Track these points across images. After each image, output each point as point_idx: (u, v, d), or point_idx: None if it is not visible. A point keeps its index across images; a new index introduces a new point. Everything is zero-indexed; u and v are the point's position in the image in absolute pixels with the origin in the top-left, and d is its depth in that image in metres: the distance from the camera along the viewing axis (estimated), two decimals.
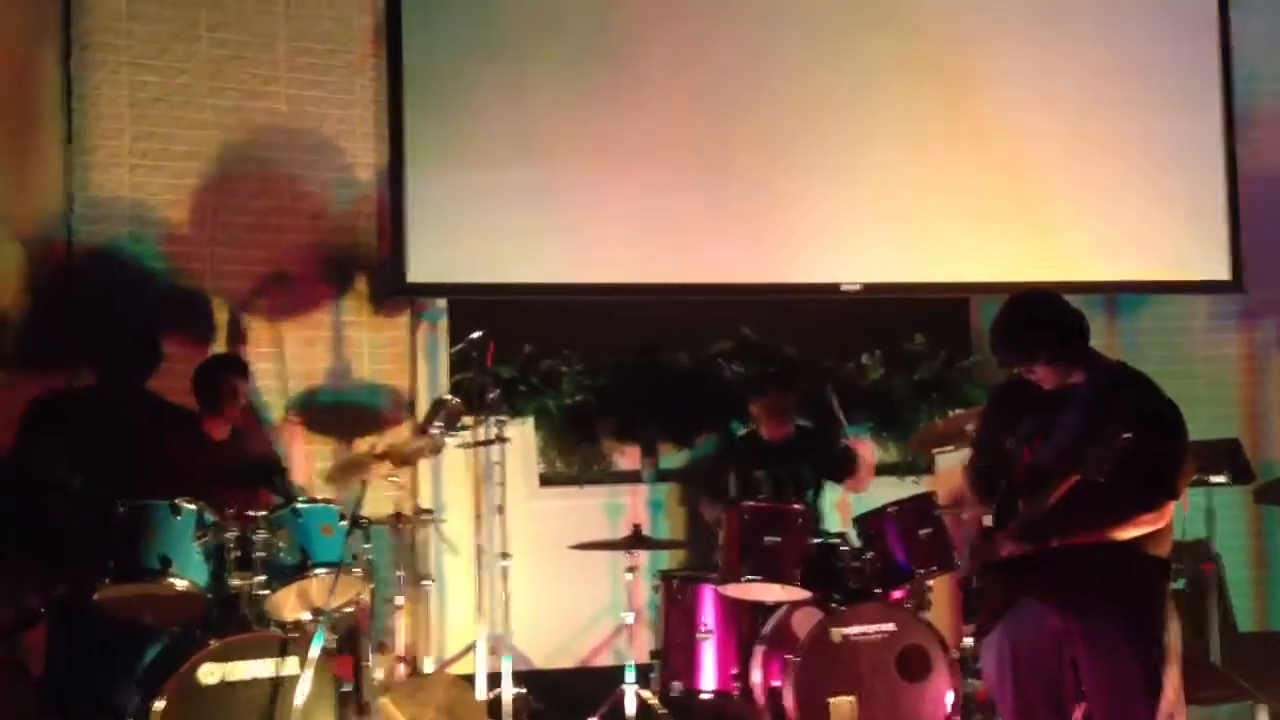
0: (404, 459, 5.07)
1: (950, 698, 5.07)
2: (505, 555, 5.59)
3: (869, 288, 6.33)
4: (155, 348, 5.55)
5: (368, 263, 6.09)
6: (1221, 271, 6.64)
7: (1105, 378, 3.61)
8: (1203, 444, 5.70)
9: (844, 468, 5.82)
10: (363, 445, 5.80)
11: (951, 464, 6.39)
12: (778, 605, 5.26)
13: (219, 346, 5.75)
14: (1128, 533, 3.50)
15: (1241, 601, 6.61)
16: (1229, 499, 6.33)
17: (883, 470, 6.60)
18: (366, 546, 4.72)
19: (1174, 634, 3.60)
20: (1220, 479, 6.01)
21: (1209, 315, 6.88)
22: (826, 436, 5.98)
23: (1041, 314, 3.69)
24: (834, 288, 6.32)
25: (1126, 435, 3.27)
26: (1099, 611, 3.56)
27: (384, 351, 6.14)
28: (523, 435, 6.22)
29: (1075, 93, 6.56)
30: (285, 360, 5.93)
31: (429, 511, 5.70)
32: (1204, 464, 5.86)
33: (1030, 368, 3.70)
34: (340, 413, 6.00)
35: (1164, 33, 6.73)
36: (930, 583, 5.46)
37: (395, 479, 5.15)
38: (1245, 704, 5.32)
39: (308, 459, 5.83)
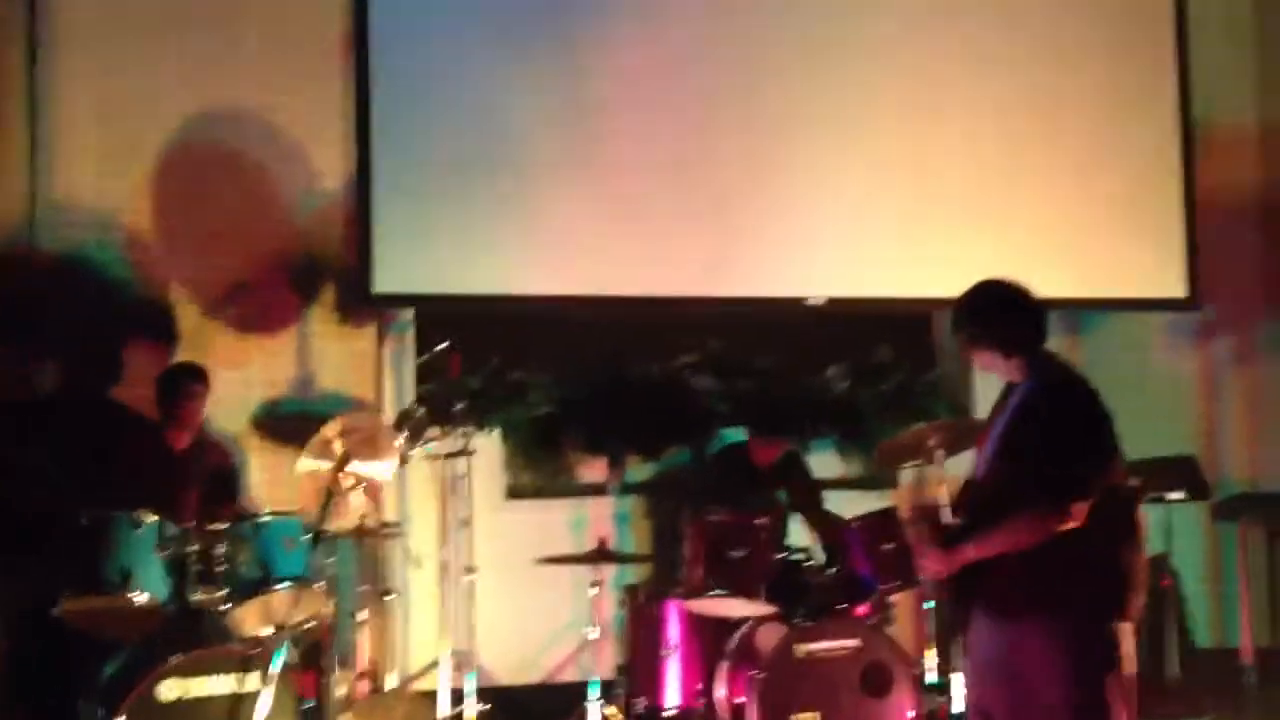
0: (367, 445, 4.97)
1: (912, 714, 5.09)
2: (470, 569, 5.58)
3: (833, 302, 6.36)
4: (118, 356, 5.50)
5: (335, 272, 6.05)
6: (1179, 289, 6.71)
7: (1039, 382, 3.54)
8: (1159, 460, 5.79)
9: (816, 499, 5.90)
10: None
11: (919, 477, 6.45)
12: (742, 620, 5.27)
13: (183, 355, 5.68)
14: (1026, 543, 3.39)
15: (1199, 617, 6.69)
16: (1185, 515, 6.38)
17: (848, 484, 6.67)
18: (330, 560, 4.68)
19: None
20: (1177, 495, 6.09)
21: (1167, 332, 6.96)
22: (805, 465, 6.03)
23: (985, 300, 3.65)
24: (799, 301, 6.34)
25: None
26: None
27: (350, 362, 6.10)
28: (489, 447, 6.21)
29: (1037, 114, 6.63)
30: (250, 370, 5.88)
31: (393, 524, 5.67)
32: (1161, 480, 5.94)
33: (969, 351, 3.69)
34: (304, 423, 5.93)
35: (1123, 56, 6.81)
36: (894, 598, 5.49)
37: (360, 489, 5.11)
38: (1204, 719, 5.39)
39: (270, 471, 5.77)
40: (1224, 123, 6.96)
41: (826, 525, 5.73)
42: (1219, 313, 6.89)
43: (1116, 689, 3.42)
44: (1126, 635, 3.46)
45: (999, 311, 3.61)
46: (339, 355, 6.08)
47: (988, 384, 6.96)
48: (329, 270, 6.05)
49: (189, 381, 5.22)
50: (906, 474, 6.50)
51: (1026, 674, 3.43)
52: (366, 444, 4.83)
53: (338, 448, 4.68)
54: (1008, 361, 3.60)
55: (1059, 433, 3.42)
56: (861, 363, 6.89)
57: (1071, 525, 3.35)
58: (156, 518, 4.40)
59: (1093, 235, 6.63)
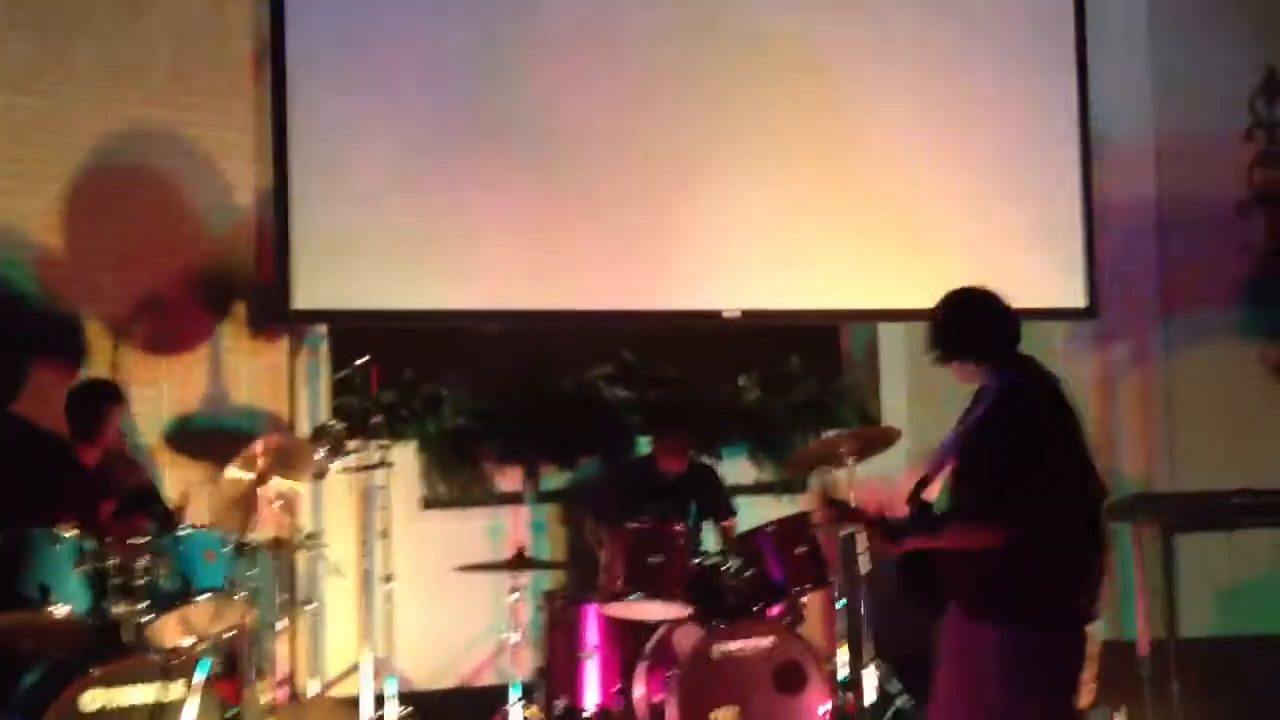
0: (288, 467, 5.01)
1: (825, 709, 5.23)
2: (389, 578, 5.62)
3: (748, 314, 6.43)
4: (23, 372, 5.45)
5: (246, 288, 6.04)
6: (1079, 299, 6.93)
7: (997, 389, 3.61)
8: None
9: (727, 511, 6.02)
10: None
11: (824, 483, 6.61)
12: (659, 623, 5.37)
13: (93, 371, 5.64)
14: (965, 545, 3.51)
15: (1126, 612, 6.91)
16: None
17: (760, 489, 6.82)
18: (251, 572, 4.69)
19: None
20: None
21: (1066, 339, 7.17)
22: (716, 478, 6.14)
23: (945, 311, 3.73)
24: (715, 314, 6.40)
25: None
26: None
27: (262, 376, 6.08)
28: (405, 459, 6.24)
29: (940, 129, 6.77)
30: (161, 386, 5.85)
31: (311, 535, 5.68)
32: None
33: (938, 362, 3.76)
34: (217, 438, 5.92)
35: (1024, 69, 6.99)
36: (805, 599, 5.64)
37: (279, 504, 5.14)
38: (1102, 709, 5.58)
39: (182, 484, 5.75)
40: (1122, 137, 7.17)
41: (731, 539, 5.85)
42: (1116, 320, 7.08)
43: (1082, 690, 3.54)
44: (1093, 637, 3.57)
45: (958, 329, 3.69)
46: (251, 370, 6.06)
47: (894, 392, 7.27)
48: (241, 286, 6.03)
49: (100, 397, 5.18)
50: (817, 480, 6.70)
51: (991, 674, 3.53)
52: (287, 461, 4.86)
53: (261, 463, 4.70)
54: (978, 368, 3.68)
55: (1002, 441, 3.50)
56: (772, 372, 7.05)
57: (1014, 532, 3.42)
58: (75, 533, 4.38)
59: (996, 248, 6.76)
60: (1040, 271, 6.83)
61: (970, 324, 3.70)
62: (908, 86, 6.74)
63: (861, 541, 5.63)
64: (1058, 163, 6.99)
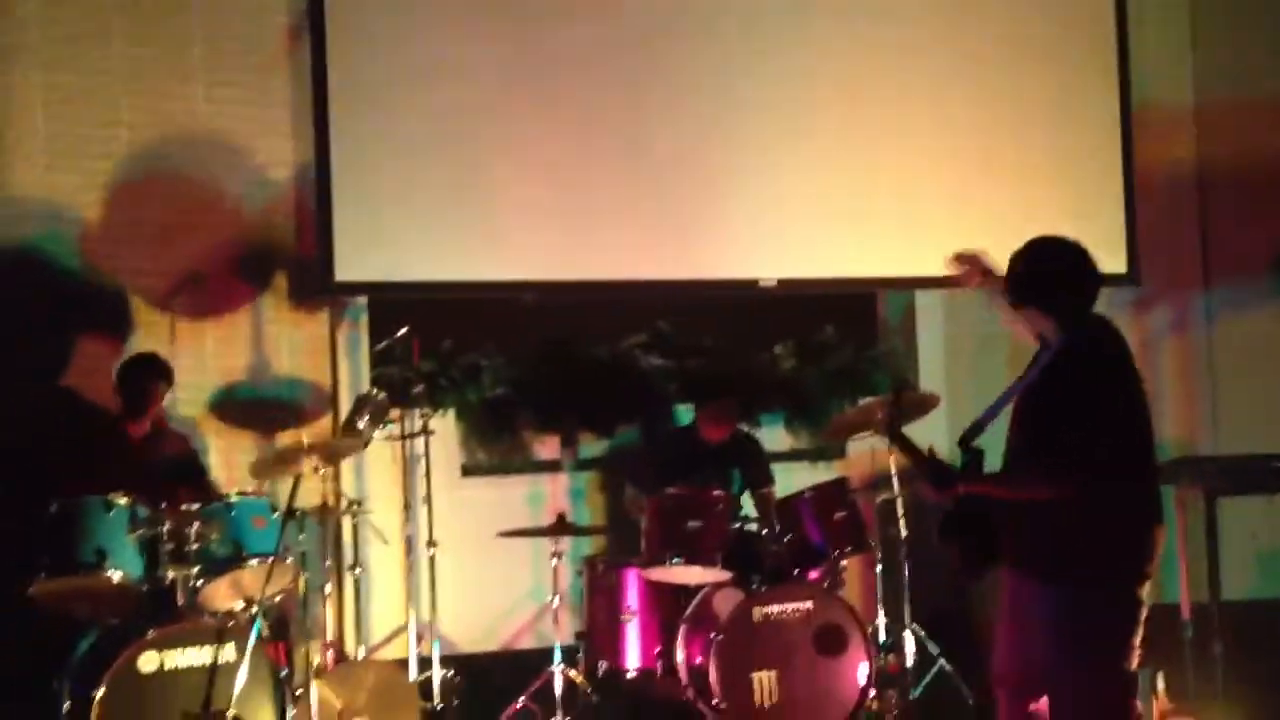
0: (334, 456, 5.13)
1: (865, 671, 5.28)
2: (431, 543, 5.70)
3: (784, 283, 6.44)
4: (74, 345, 5.54)
5: (286, 261, 6.11)
6: (1118, 265, 6.86)
7: (1060, 346, 3.58)
8: None
9: (766, 480, 6.02)
10: (287, 440, 5.84)
11: (862, 450, 6.64)
12: (700, 587, 5.42)
13: (137, 344, 5.72)
14: (1007, 496, 3.54)
15: (1169, 575, 6.89)
16: None
17: (795, 457, 6.86)
18: (301, 537, 4.78)
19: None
20: None
21: (1106, 304, 7.14)
22: (758, 446, 6.16)
23: (1022, 257, 3.71)
24: (752, 283, 6.42)
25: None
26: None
27: (303, 347, 6.17)
28: (444, 427, 6.31)
29: (979, 97, 6.74)
30: (204, 357, 5.93)
31: (355, 503, 5.77)
32: None
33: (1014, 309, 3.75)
34: (260, 408, 6.02)
35: (1063, 33, 6.93)
36: (844, 563, 5.68)
37: (322, 471, 5.22)
38: (1144, 672, 5.61)
39: (229, 454, 5.84)
40: (1162, 103, 7.13)
41: (770, 509, 5.88)
42: (1156, 285, 7.06)
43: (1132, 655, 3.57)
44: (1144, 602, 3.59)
45: (1033, 270, 3.67)
46: (293, 341, 6.15)
47: (931, 359, 7.27)
48: (281, 259, 6.10)
49: (149, 374, 5.27)
50: (855, 446, 6.73)
51: (1039, 631, 3.57)
52: (330, 453, 5.04)
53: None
54: (1045, 320, 3.65)
55: (1057, 399, 3.49)
56: (808, 340, 7.07)
57: (1061, 489, 3.45)
58: (128, 500, 4.47)
59: (1034, 213, 6.74)
60: (1080, 236, 6.75)
61: (1042, 274, 3.68)
62: (945, 53, 6.71)
63: (901, 506, 5.67)
64: (1097, 128, 6.93)
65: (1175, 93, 7.21)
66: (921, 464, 3.65)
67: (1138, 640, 3.59)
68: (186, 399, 5.81)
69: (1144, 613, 3.59)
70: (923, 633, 5.75)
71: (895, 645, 5.71)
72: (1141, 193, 7.00)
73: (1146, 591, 3.59)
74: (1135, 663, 3.61)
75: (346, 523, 5.80)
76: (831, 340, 7.09)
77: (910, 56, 6.66)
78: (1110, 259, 6.86)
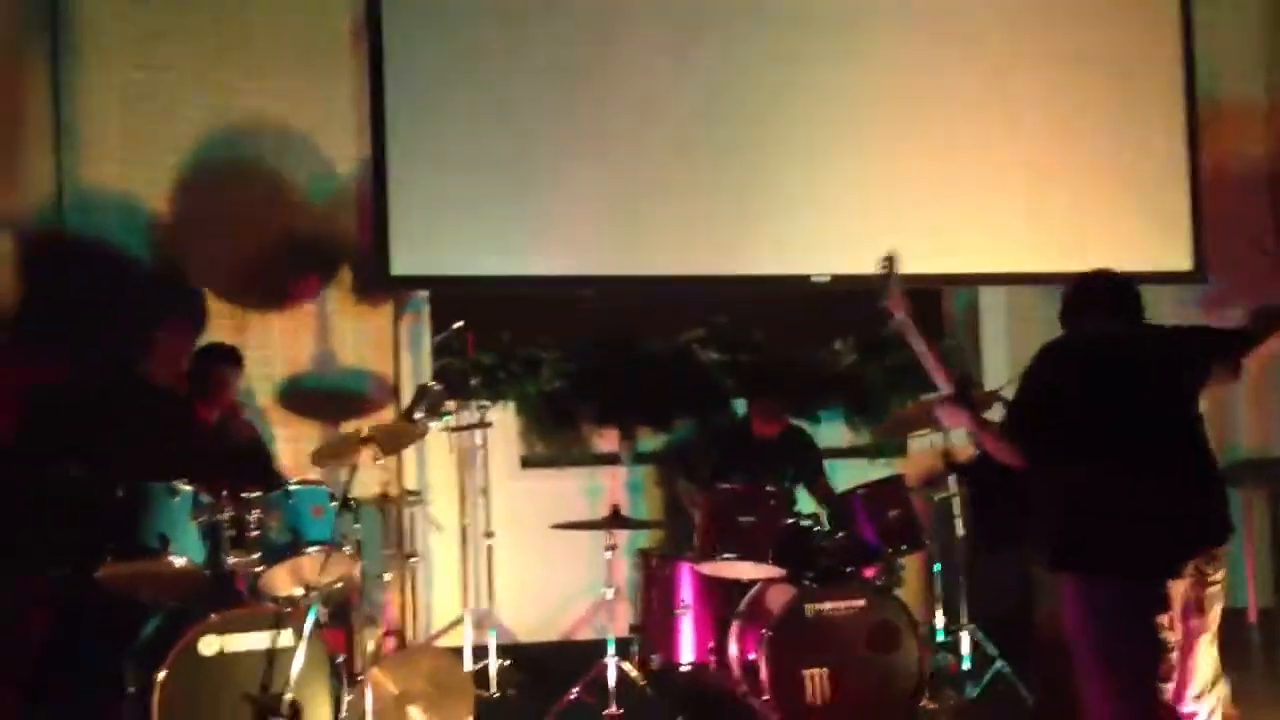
0: (392, 444, 5.20)
1: (918, 670, 5.25)
2: (489, 534, 5.77)
3: (838, 279, 6.43)
4: (148, 334, 5.68)
5: (350, 254, 6.21)
6: (1184, 263, 6.79)
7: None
8: None
9: (819, 473, 6.03)
10: (349, 429, 5.94)
11: (922, 447, 6.60)
12: (753, 582, 5.42)
13: (208, 334, 5.86)
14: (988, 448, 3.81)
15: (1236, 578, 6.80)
16: None
17: (854, 453, 6.83)
18: (356, 526, 4.86)
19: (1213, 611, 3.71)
20: None
21: (1174, 302, 7.05)
22: (811, 441, 6.17)
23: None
24: (804, 279, 6.43)
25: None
26: None
27: (367, 339, 6.27)
28: (504, 419, 6.38)
29: (1042, 89, 6.68)
30: (271, 348, 6.05)
31: (414, 493, 5.85)
32: None
33: None
34: (325, 398, 6.13)
35: (1128, 28, 6.85)
36: (901, 561, 5.65)
37: (381, 461, 5.31)
38: None
39: (293, 443, 5.95)
40: (1231, 95, 7.02)
41: (830, 496, 5.88)
42: (1227, 284, 6.96)
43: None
44: (1176, 593, 3.61)
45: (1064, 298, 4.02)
46: (357, 333, 6.25)
47: (995, 355, 7.21)
48: (345, 252, 6.21)
49: (222, 364, 5.38)
50: (915, 443, 6.69)
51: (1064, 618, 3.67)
52: (390, 442, 5.10)
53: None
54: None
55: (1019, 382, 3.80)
56: (869, 336, 7.04)
57: (1015, 459, 3.68)
58: (191, 488, 4.57)
59: (1098, 210, 6.69)
60: (1144, 234, 6.73)
61: (1063, 301, 4.03)
62: (1006, 44, 6.66)
63: (958, 505, 5.64)
64: (1163, 122, 6.85)
65: (1248, 88, 7.06)
66: (953, 383, 4.00)
67: (1143, 629, 3.57)
68: (254, 389, 5.93)
69: (1150, 602, 3.58)
70: (981, 633, 5.71)
71: (952, 645, 5.68)
72: (1214, 189, 6.90)
73: (1155, 579, 3.60)
74: (1148, 652, 3.58)
75: (406, 512, 5.88)
76: (894, 336, 7.04)
77: (970, 49, 6.63)
78: (1175, 255, 6.80)
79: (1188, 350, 3.87)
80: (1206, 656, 3.75)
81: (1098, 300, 3.94)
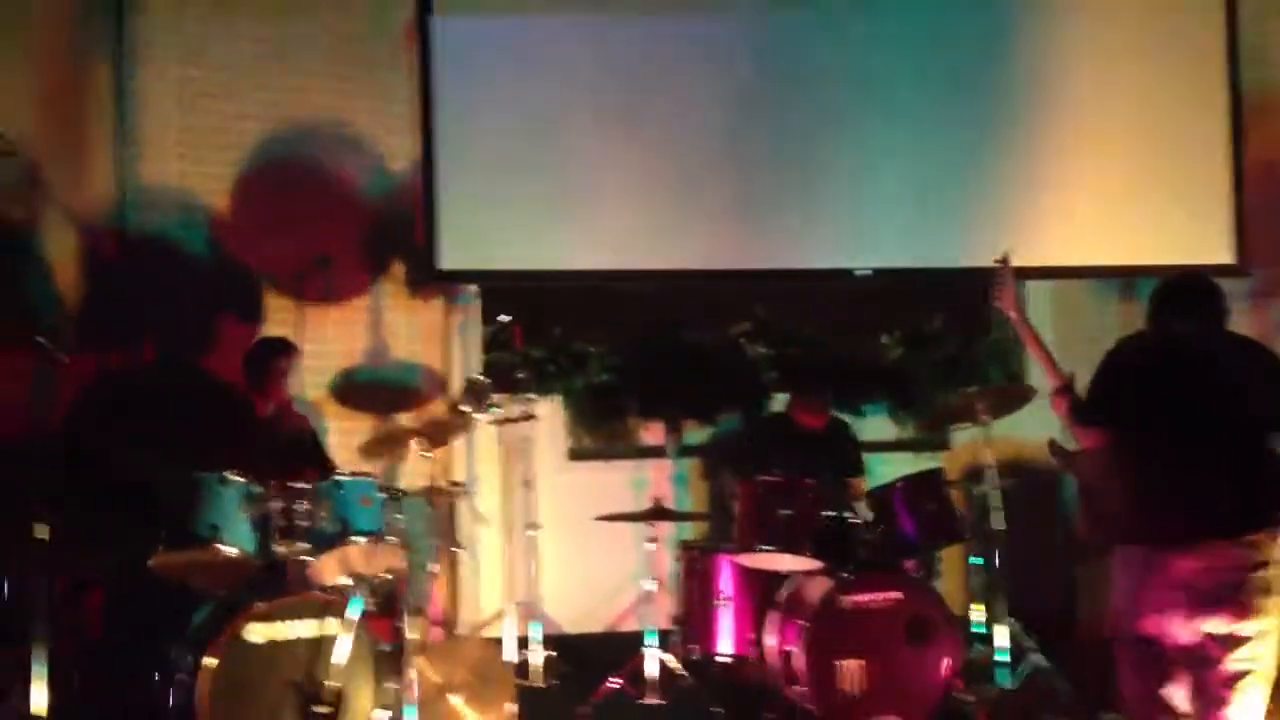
0: (440, 436, 5.31)
1: (954, 662, 5.29)
2: (534, 526, 5.87)
3: (880, 273, 6.47)
4: (207, 328, 5.84)
5: (403, 249, 6.33)
6: (1226, 255, 6.73)
7: None
8: None
9: (855, 470, 6.07)
10: (400, 421, 6.08)
11: (965, 440, 6.61)
12: (792, 574, 5.49)
13: (265, 326, 6.01)
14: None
15: None
16: None
17: (899, 447, 6.86)
18: (401, 517, 4.96)
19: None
20: None
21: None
22: (852, 435, 6.21)
23: None
24: (846, 273, 6.46)
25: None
26: None
27: (420, 332, 6.39)
28: (551, 412, 6.49)
29: (1084, 81, 6.65)
30: (326, 341, 6.18)
31: (461, 484, 5.96)
32: None
33: None
34: (377, 390, 6.25)
35: (1170, 19, 6.80)
36: (940, 554, 5.67)
37: (429, 454, 5.43)
38: None
39: (347, 435, 6.08)
40: (1272, 84, 6.94)
41: (867, 494, 5.91)
42: (1270, 276, 6.89)
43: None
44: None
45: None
46: (410, 327, 6.38)
47: None
48: (398, 247, 6.33)
49: (278, 357, 5.52)
50: (958, 437, 6.71)
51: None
52: (438, 432, 5.18)
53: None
54: None
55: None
56: (915, 330, 7.05)
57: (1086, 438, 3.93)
58: (242, 478, 4.70)
59: (1141, 204, 6.65)
60: (1186, 227, 6.68)
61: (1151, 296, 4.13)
62: (1048, 37, 6.64)
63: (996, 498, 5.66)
64: (1206, 114, 6.78)
65: None
66: (1060, 378, 4.04)
67: (1152, 605, 3.67)
68: (309, 381, 6.04)
69: (1166, 577, 3.65)
70: (1019, 626, 5.73)
71: (988, 639, 5.70)
72: (1258, 181, 6.82)
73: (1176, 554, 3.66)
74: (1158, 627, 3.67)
75: (453, 504, 5.98)
76: (939, 330, 7.06)
77: (1009, 43, 6.62)
78: (1218, 248, 6.73)
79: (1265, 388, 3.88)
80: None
81: (1183, 302, 4.02)
